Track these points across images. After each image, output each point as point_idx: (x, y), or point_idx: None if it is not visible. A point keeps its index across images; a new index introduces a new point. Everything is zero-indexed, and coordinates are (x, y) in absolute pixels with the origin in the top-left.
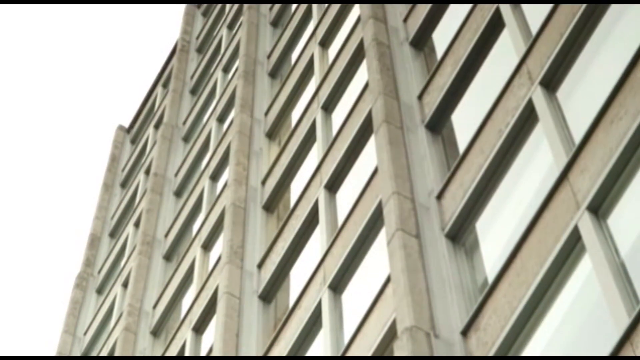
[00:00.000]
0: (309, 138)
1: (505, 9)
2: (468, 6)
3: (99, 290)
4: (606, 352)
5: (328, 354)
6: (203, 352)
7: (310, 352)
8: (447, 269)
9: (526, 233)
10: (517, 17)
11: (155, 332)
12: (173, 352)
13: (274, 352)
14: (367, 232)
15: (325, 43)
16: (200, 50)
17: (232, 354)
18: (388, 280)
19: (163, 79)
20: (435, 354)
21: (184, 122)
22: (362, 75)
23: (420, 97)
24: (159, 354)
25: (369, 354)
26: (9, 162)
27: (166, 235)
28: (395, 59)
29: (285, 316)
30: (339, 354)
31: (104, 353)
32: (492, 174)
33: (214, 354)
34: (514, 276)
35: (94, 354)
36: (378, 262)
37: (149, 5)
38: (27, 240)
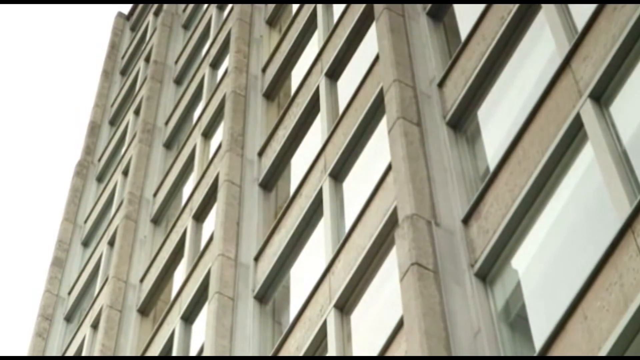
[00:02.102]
0: (310, 25)
1: None
2: None
3: (99, 178)
4: (607, 241)
5: (329, 242)
6: (203, 240)
7: (311, 241)
8: (449, 157)
9: (528, 121)
10: None
11: (156, 220)
12: (174, 240)
13: (275, 240)
14: (368, 120)
15: None
16: None
17: (232, 242)
18: (389, 168)
19: None
20: (436, 242)
21: (184, 9)
22: None
23: None
24: (159, 242)
25: (370, 242)
26: (7, 48)
27: (166, 123)
28: None
29: (286, 204)
30: (340, 243)
31: (105, 241)
32: (494, 62)
33: (215, 242)
34: (515, 164)
35: (94, 242)
36: (379, 150)
37: None
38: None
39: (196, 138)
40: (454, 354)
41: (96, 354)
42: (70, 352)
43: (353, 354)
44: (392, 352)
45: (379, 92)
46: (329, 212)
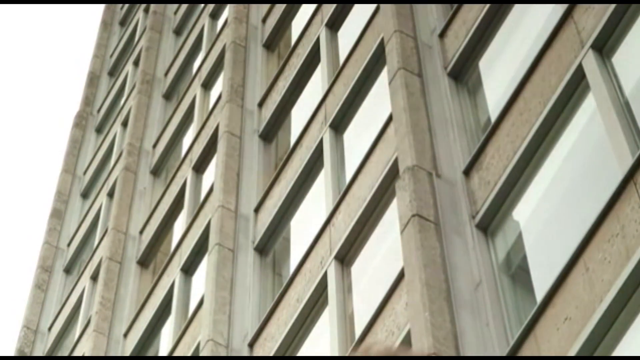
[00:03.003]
0: None
1: None
2: None
3: (99, 130)
4: (609, 192)
5: (329, 194)
6: (203, 192)
7: (312, 193)
8: (450, 108)
9: (529, 72)
10: None
11: (155, 172)
12: (173, 191)
13: (275, 192)
14: (369, 71)
15: None
16: None
17: (232, 193)
18: (390, 119)
19: None
20: (437, 194)
21: None
22: None
23: None
24: (159, 193)
25: (371, 193)
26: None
27: (166, 74)
28: None
29: (286, 156)
30: (340, 194)
31: (104, 193)
32: (496, 12)
33: (215, 194)
34: (517, 115)
35: (94, 193)
36: (380, 101)
37: None
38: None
39: (196, 89)
40: (454, 306)
41: (96, 306)
42: (70, 304)
43: (353, 305)
44: (392, 303)
45: (379, 42)
46: (329, 163)
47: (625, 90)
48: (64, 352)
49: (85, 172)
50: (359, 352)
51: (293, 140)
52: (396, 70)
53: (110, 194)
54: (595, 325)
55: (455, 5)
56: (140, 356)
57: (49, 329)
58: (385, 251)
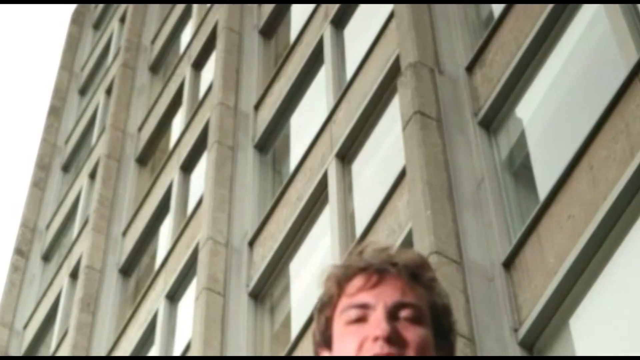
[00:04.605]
0: None
1: None
2: None
3: (96, 25)
4: (614, 89)
5: (330, 90)
6: (202, 89)
7: (312, 90)
8: (453, 6)
9: None
10: None
11: (154, 68)
12: (172, 89)
13: (275, 89)
14: None
15: None
16: None
17: (232, 91)
18: (391, 15)
19: None
20: (440, 91)
21: None
22: None
23: None
24: (157, 90)
25: (372, 90)
26: None
27: None
28: None
29: (287, 52)
30: (341, 91)
31: (102, 90)
32: None
33: (214, 90)
34: (520, 10)
35: (91, 90)
36: None
37: None
38: None
39: None
40: (456, 204)
41: (94, 204)
42: (68, 202)
43: (354, 204)
44: (393, 202)
45: None
46: (330, 59)
47: None
48: (63, 251)
49: (82, 69)
50: (355, 253)
51: (293, 36)
52: None
53: (108, 91)
54: (599, 224)
55: None
56: (139, 356)
57: (47, 227)
58: (387, 149)
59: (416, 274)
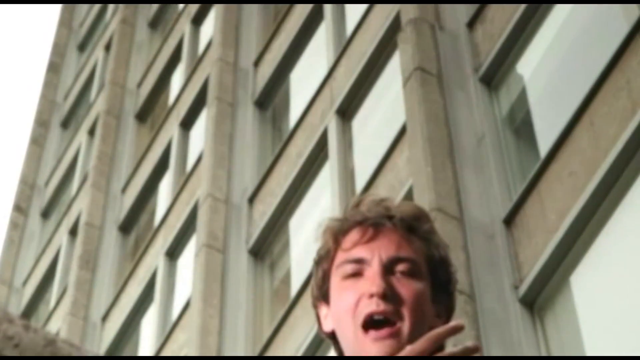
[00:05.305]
0: None
1: None
2: None
3: None
4: (615, 45)
5: (330, 47)
6: (202, 45)
7: (312, 45)
8: None
9: None
10: None
11: (153, 24)
12: (171, 45)
13: (275, 45)
14: None
15: None
16: None
17: (231, 47)
18: None
19: None
20: (440, 47)
21: None
22: None
23: None
24: (156, 46)
25: (372, 47)
26: None
27: None
28: None
29: (286, 8)
30: (342, 48)
31: (101, 46)
32: None
33: (213, 47)
34: None
35: (90, 46)
36: None
37: None
38: None
39: None
40: (457, 161)
41: (93, 160)
42: (67, 159)
43: (354, 161)
44: (394, 159)
45: None
46: (330, 15)
47: None
48: (62, 208)
49: (81, 25)
50: (352, 205)
51: None
52: None
53: (107, 47)
54: (600, 180)
55: None
56: (142, 356)
57: (46, 184)
58: (387, 105)
59: (413, 226)
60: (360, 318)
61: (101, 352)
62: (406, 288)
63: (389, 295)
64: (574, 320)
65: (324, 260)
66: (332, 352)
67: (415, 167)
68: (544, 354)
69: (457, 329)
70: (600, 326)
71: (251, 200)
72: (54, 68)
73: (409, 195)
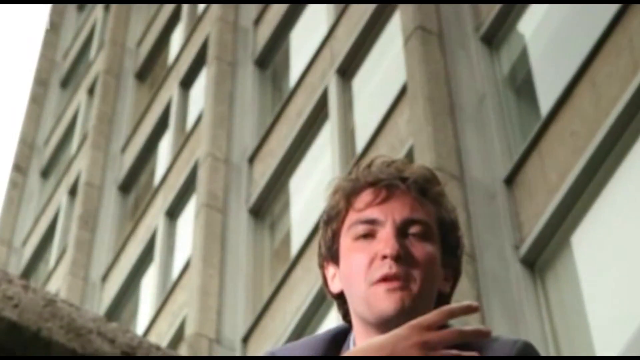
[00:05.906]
0: None
1: None
2: None
3: None
4: (617, 4)
5: (330, 5)
6: (201, 4)
7: (312, 5)
8: None
9: None
10: None
11: None
12: (171, 3)
13: (274, 5)
14: None
15: None
16: None
17: (231, 6)
18: None
19: None
20: (441, 6)
21: None
22: None
23: None
24: (156, 5)
25: (372, 5)
26: None
27: None
28: None
29: None
30: (342, 7)
31: (100, 4)
32: None
33: (213, 6)
34: None
35: (89, 5)
36: None
37: None
38: None
39: None
40: (458, 120)
41: (93, 120)
42: (66, 118)
43: (354, 120)
44: (394, 118)
45: None
46: None
47: None
48: (61, 167)
49: None
50: (363, 166)
51: None
52: None
53: (107, 6)
54: (601, 140)
55: None
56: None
57: (45, 143)
58: (387, 65)
59: (425, 188)
60: (373, 280)
61: (101, 312)
62: (419, 250)
63: (402, 257)
64: (574, 280)
65: (334, 221)
66: (332, 314)
67: (415, 127)
68: (544, 314)
69: (471, 309)
70: (600, 286)
71: (251, 160)
72: (54, 27)
73: (409, 155)
